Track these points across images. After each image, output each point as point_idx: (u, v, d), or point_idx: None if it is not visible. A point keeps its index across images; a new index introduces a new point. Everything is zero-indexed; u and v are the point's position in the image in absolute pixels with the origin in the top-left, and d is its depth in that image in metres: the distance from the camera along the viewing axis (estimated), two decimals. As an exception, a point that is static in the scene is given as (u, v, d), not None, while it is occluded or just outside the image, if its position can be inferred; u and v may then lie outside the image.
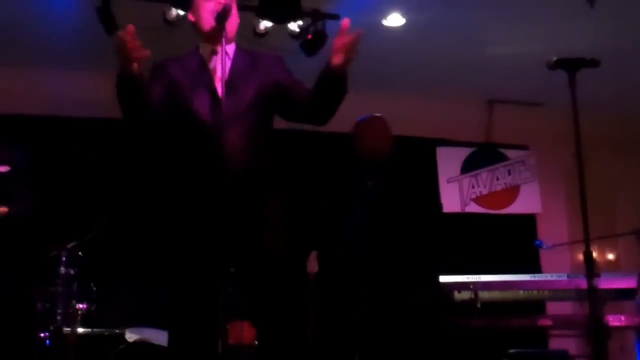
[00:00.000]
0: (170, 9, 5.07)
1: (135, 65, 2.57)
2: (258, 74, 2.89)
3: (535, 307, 6.38)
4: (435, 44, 6.19)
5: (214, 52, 2.87)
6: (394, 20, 5.83)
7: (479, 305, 5.34)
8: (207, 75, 2.86)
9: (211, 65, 2.87)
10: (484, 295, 5.51)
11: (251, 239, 2.68)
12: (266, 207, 2.77)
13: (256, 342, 3.67)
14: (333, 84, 2.76)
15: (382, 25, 5.89)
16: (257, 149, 2.79)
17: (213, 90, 2.80)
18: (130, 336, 5.06)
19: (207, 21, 2.84)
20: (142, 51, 2.53)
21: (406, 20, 5.83)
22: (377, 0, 5.53)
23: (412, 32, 5.99)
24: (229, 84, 2.70)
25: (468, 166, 7.65)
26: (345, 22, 2.67)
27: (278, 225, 2.79)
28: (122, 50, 2.49)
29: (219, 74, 2.78)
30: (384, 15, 5.76)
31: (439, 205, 7.41)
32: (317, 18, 5.44)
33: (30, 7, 5.54)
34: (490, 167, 7.73)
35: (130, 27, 2.48)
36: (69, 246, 5.19)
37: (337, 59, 2.69)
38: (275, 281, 2.72)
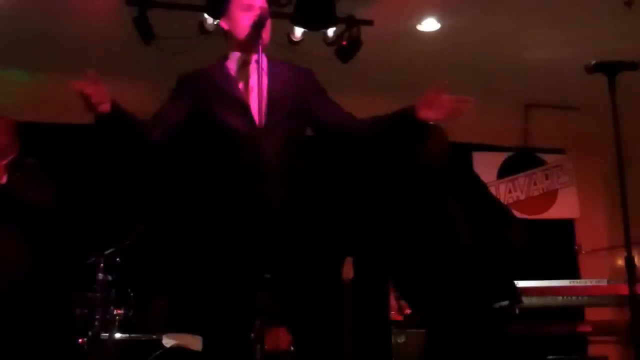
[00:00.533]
0: (207, 18, 5.09)
1: (103, 107, 2.54)
2: (291, 86, 2.86)
3: (574, 313, 6.29)
4: (470, 48, 6.16)
5: (247, 62, 2.84)
6: (429, 25, 5.81)
7: (517, 311, 5.27)
8: (237, 86, 2.82)
9: (243, 75, 2.83)
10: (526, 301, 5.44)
11: (286, 245, 2.67)
12: (300, 215, 2.75)
13: (292, 348, 3.68)
14: (408, 132, 2.77)
15: (417, 30, 5.87)
16: (290, 158, 2.76)
17: (245, 102, 2.77)
18: (167, 342, 5.10)
19: (243, 29, 2.81)
20: (104, 97, 2.51)
21: (441, 25, 5.81)
22: (412, 5, 5.51)
23: (447, 37, 5.97)
24: (262, 94, 2.67)
25: (505, 171, 7.58)
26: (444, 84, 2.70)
27: (312, 231, 2.78)
28: (82, 99, 2.46)
29: (252, 84, 2.77)
30: (419, 20, 5.74)
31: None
32: (351, 24, 5.44)
33: (68, 18, 5.63)
34: (527, 172, 7.66)
35: (92, 73, 2.45)
36: (107, 252, 5.25)
37: (429, 114, 2.72)
38: (310, 287, 2.71)
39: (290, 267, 2.67)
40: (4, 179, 3.98)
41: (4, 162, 4.13)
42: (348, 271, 6.00)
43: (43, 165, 4.46)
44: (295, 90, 2.85)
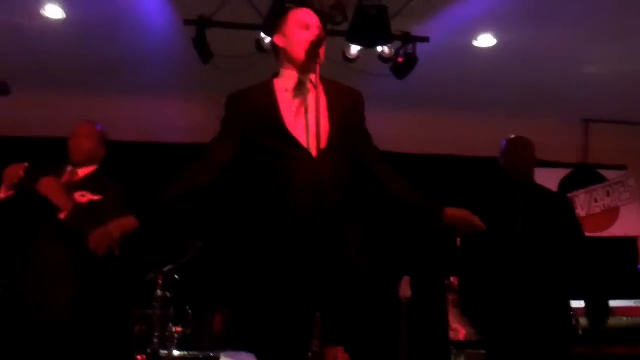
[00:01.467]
0: (264, 37, 5.15)
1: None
2: (341, 106, 2.82)
3: (638, 334, 6.11)
4: (527, 63, 6.08)
5: (303, 82, 2.81)
6: (485, 41, 5.76)
7: (580, 332, 5.15)
8: (291, 106, 2.78)
9: (298, 95, 2.80)
10: (585, 322, 5.31)
11: (342, 265, 2.64)
12: (356, 235, 2.73)
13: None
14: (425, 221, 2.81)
15: (473, 46, 5.83)
16: (343, 178, 2.74)
17: (298, 121, 2.74)
18: (225, 360, 5.11)
19: (300, 48, 2.79)
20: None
21: (497, 40, 5.76)
22: (468, 21, 5.47)
23: (504, 53, 5.91)
24: (317, 114, 2.65)
25: (565, 188, 7.43)
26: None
27: (368, 251, 2.76)
28: None
29: (307, 104, 2.75)
30: (475, 36, 5.71)
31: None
32: (407, 41, 5.43)
33: (127, 40, 5.77)
34: (587, 189, 7.49)
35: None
36: (165, 270, 5.31)
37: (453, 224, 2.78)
38: (367, 307, 2.69)
39: (347, 287, 2.65)
40: (85, 198, 3.75)
41: (84, 173, 3.91)
42: (405, 290, 5.95)
43: (125, 189, 4.20)
44: (348, 111, 2.84)
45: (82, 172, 3.81)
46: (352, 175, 2.80)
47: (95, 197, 3.77)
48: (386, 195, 2.87)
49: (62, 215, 3.58)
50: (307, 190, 2.60)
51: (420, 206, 2.86)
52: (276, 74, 2.90)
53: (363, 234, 2.78)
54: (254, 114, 2.78)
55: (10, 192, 3.58)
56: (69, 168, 3.88)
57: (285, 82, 2.84)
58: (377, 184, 2.89)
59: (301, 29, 2.83)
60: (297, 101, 2.79)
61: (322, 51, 2.77)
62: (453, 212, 2.80)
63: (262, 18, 4.99)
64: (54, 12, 5.39)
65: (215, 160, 2.81)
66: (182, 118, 6.83)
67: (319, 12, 3.06)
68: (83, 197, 3.72)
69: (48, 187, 3.56)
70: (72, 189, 3.71)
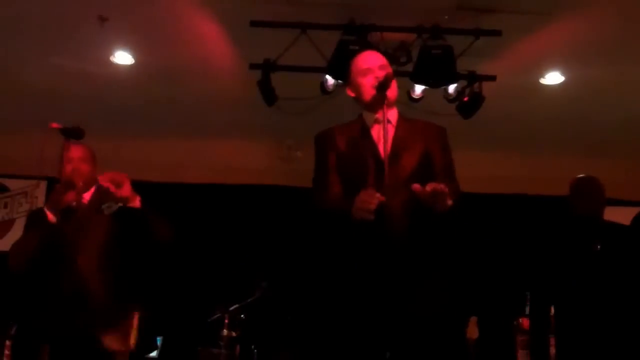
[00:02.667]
0: (328, 79, 5.19)
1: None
2: (421, 143, 2.84)
3: None
4: (597, 100, 5.96)
5: (377, 121, 2.85)
6: (553, 78, 5.68)
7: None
8: (370, 143, 2.83)
9: (374, 133, 2.85)
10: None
11: (413, 305, 2.62)
12: (426, 275, 2.70)
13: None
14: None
15: (541, 84, 5.75)
16: (419, 218, 2.73)
17: (377, 159, 2.76)
18: (291, 399, 5.10)
19: (368, 93, 2.84)
20: None
21: (565, 77, 5.66)
22: (535, 59, 5.41)
23: (572, 90, 5.80)
24: (392, 152, 2.67)
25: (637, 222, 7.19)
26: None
27: (439, 291, 2.72)
28: None
29: (382, 142, 2.75)
30: (542, 73, 5.63)
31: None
32: (473, 80, 5.39)
33: (192, 83, 5.91)
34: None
35: None
36: (231, 309, 5.34)
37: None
38: (435, 348, 2.65)
39: (417, 328, 2.62)
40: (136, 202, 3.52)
41: (87, 197, 3.61)
42: (473, 331, 5.84)
43: None
44: (423, 146, 2.84)
45: (86, 196, 3.58)
46: (426, 212, 2.78)
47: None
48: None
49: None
50: (377, 229, 2.57)
51: None
52: (361, 115, 2.96)
53: (439, 274, 2.75)
54: (342, 146, 2.85)
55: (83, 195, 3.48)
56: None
57: (365, 121, 2.91)
58: None
59: (363, 75, 2.87)
60: (371, 141, 2.83)
61: (391, 91, 2.78)
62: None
63: (326, 60, 5.03)
64: (123, 58, 5.57)
65: (335, 191, 2.83)
66: (246, 159, 6.92)
67: (383, 53, 3.08)
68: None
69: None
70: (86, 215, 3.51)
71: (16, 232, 6.94)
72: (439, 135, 2.92)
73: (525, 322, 5.68)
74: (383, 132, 2.67)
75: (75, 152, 3.42)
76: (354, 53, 3.55)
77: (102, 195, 3.36)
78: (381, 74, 2.81)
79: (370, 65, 2.88)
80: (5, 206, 7.15)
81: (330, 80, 5.17)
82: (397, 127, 2.85)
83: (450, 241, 2.87)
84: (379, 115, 2.81)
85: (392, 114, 2.86)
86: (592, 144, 6.69)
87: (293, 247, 6.52)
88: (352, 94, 2.96)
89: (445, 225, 2.85)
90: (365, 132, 2.86)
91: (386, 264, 2.53)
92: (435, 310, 2.68)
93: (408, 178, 2.70)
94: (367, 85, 2.83)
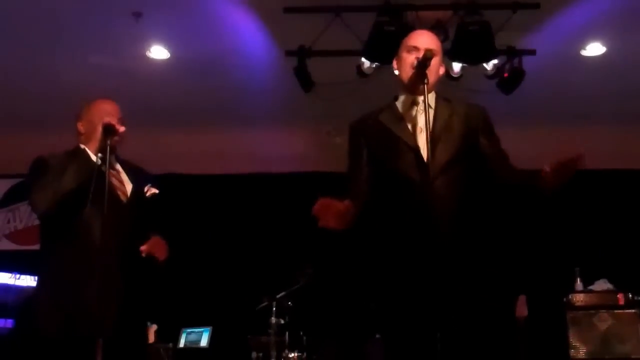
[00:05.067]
0: (364, 62, 5.15)
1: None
2: (462, 124, 2.79)
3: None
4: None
5: (415, 103, 2.80)
6: (594, 49, 5.56)
7: None
8: (407, 127, 2.78)
9: (410, 117, 2.80)
10: None
11: (460, 289, 2.59)
12: (474, 258, 2.67)
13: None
14: (539, 195, 2.71)
15: (582, 55, 5.64)
16: (465, 200, 2.70)
17: (414, 143, 2.73)
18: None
19: (408, 71, 2.79)
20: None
21: (607, 48, 5.54)
22: (575, 30, 5.30)
23: (614, 60, 5.68)
24: (432, 137, 2.63)
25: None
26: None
27: (487, 275, 2.69)
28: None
29: (420, 125, 2.73)
30: (583, 45, 5.52)
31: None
32: (512, 55, 5.30)
33: (230, 73, 5.91)
34: None
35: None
36: (278, 296, 5.37)
37: (550, 183, 2.62)
38: (483, 330, 2.63)
39: (464, 311, 2.60)
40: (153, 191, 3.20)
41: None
42: (522, 309, 5.80)
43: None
44: (464, 128, 2.80)
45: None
46: (471, 193, 2.75)
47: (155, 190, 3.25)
48: (497, 185, 2.82)
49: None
50: (422, 213, 2.55)
51: (527, 178, 2.73)
52: (396, 97, 2.90)
53: (487, 256, 2.73)
54: (377, 133, 2.81)
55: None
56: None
57: (401, 104, 2.86)
58: (501, 184, 2.84)
59: (409, 52, 2.81)
60: (409, 125, 2.78)
61: (431, 71, 2.73)
62: (550, 170, 2.62)
63: (362, 43, 4.99)
64: (159, 53, 5.61)
65: (363, 189, 2.82)
66: (285, 147, 6.93)
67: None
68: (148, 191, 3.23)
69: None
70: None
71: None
72: (481, 115, 2.87)
73: (575, 298, 5.64)
74: (425, 115, 2.64)
75: (113, 108, 3.13)
76: (391, 34, 3.53)
77: None
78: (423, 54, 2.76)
79: (418, 44, 2.81)
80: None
81: (366, 63, 5.13)
82: (436, 110, 2.80)
83: (497, 220, 2.84)
84: (417, 97, 2.77)
85: (431, 96, 2.78)
86: (636, 115, 6.54)
87: (337, 233, 6.51)
88: (395, 67, 2.90)
89: (492, 205, 2.82)
90: (401, 116, 2.81)
91: (433, 246, 2.50)
92: (483, 289, 2.66)
93: (450, 160, 2.68)
94: (409, 63, 2.78)
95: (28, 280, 5.58)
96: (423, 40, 2.85)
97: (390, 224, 2.71)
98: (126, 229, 2.97)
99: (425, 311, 2.55)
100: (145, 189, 3.20)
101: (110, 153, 2.90)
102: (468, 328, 2.60)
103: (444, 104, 2.84)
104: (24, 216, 7.16)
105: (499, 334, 2.71)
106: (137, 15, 4.99)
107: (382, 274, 2.70)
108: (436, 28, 4.98)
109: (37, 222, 3.05)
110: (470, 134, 2.77)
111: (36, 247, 3.03)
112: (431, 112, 2.74)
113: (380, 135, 2.79)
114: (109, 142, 2.90)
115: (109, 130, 2.92)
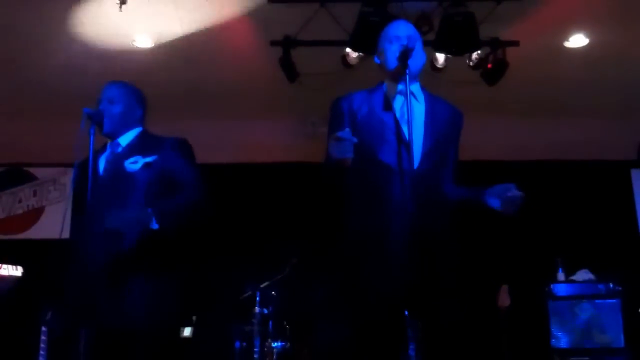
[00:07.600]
0: (349, 52, 5.15)
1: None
2: (446, 122, 2.84)
3: None
4: (623, 62, 5.86)
5: (400, 93, 2.81)
6: (577, 41, 5.58)
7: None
8: (390, 115, 2.81)
9: (395, 104, 2.82)
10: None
11: (435, 280, 2.61)
12: (450, 249, 2.69)
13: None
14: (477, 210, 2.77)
15: (565, 47, 5.66)
16: (437, 194, 2.74)
17: (397, 131, 2.75)
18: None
19: (391, 62, 2.81)
20: None
21: (590, 40, 5.57)
22: (558, 22, 5.32)
23: (597, 52, 5.71)
24: (415, 124, 2.67)
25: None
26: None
27: (461, 265, 2.72)
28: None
29: (403, 112, 2.75)
30: (566, 37, 5.54)
31: (636, 228, 6.97)
32: (496, 46, 5.33)
33: (214, 64, 5.88)
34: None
35: None
36: (262, 286, 5.39)
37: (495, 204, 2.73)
38: (460, 320, 2.65)
39: (439, 301, 2.61)
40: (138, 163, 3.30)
41: (126, 141, 3.38)
42: (504, 299, 5.84)
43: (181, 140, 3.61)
44: (446, 129, 2.83)
45: (124, 140, 3.35)
46: (444, 190, 2.80)
47: (150, 159, 3.31)
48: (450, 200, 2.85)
49: None
50: (401, 201, 2.59)
51: (469, 197, 2.81)
52: (382, 83, 2.92)
53: (463, 247, 2.75)
54: (361, 115, 2.81)
55: None
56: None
57: (386, 92, 2.87)
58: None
59: (389, 43, 2.84)
60: (392, 113, 2.80)
61: (414, 62, 2.74)
62: (491, 192, 2.73)
63: (347, 33, 4.99)
64: (143, 41, 5.57)
65: None
66: (269, 137, 6.92)
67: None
68: (135, 163, 3.26)
69: None
70: (120, 159, 3.25)
71: (46, 220, 7.01)
72: (460, 124, 2.91)
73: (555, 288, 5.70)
74: (407, 104, 2.65)
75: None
76: (376, 25, 3.52)
77: None
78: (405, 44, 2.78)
79: (399, 33, 2.84)
80: (35, 194, 7.20)
81: (352, 53, 5.13)
82: (420, 103, 2.82)
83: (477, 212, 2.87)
84: (402, 87, 2.78)
85: (415, 88, 2.82)
86: (617, 107, 6.60)
87: (320, 223, 6.53)
88: (378, 60, 2.92)
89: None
90: (387, 102, 2.83)
91: (410, 240, 2.52)
92: (458, 282, 2.68)
93: (431, 149, 2.71)
94: (391, 55, 2.79)
95: (10, 270, 5.54)
96: (404, 28, 2.88)
97: (370, 208, 2.72)
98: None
99: (397, 303, 2.59)
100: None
101: None
102: (441, 321, 2.62)
103: (429, 97, 2.87)
104: (6, 205, 7.10)
105: (476, 324, 2.74)
106: (122, 2, 4.96)
107: (357, 257, 2.71)
108: (421, 19, 5.00)
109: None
110: (444, 137, 2.82)
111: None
112: (415, 102, 2.77)
113: (364, 121, 2.80)
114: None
115: None
